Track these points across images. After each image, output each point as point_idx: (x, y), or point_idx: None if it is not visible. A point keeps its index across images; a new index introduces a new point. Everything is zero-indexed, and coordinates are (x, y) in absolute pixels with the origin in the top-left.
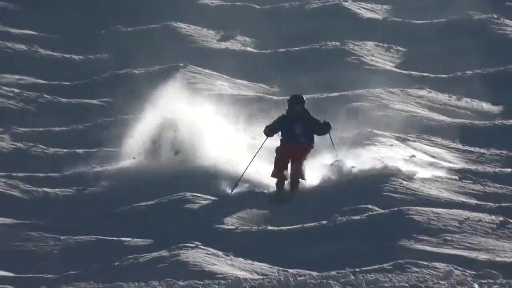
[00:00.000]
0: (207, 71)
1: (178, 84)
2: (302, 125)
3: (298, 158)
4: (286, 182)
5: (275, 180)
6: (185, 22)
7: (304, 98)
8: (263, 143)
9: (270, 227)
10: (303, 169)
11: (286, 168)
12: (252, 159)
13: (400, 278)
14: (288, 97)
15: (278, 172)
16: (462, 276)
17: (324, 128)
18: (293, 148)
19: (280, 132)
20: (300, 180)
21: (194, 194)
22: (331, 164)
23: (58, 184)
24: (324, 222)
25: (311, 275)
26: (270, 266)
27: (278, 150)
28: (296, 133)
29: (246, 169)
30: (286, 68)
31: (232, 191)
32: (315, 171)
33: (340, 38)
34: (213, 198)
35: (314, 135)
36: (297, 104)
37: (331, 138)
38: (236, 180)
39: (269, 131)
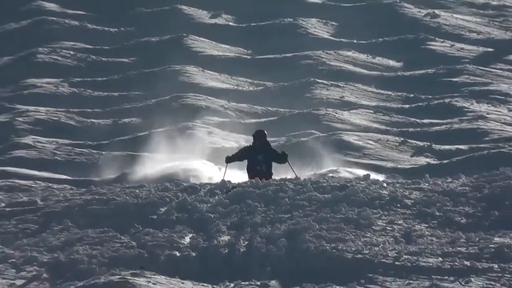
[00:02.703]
0: (201, 39)
1: (184, 45)
2: (264, 155)
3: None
4: None
5: None
6: (186, 5)
7: (265, 133)
8: (225, 170)
9: None
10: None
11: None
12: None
13: (333, 180)
14: (253, 132)
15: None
16: (375, 178)
17: (283, 158)
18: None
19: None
20: None
21: None
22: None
23: (101, 116)
24: (282, 142)
25: (274, 179)
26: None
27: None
28: (259, 161)
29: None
30: (257, 37)
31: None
32: None
33: (293, 16)
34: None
35: (275, 163)
36: (260, 138)
37: (290, 165)
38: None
39: (229, 160)
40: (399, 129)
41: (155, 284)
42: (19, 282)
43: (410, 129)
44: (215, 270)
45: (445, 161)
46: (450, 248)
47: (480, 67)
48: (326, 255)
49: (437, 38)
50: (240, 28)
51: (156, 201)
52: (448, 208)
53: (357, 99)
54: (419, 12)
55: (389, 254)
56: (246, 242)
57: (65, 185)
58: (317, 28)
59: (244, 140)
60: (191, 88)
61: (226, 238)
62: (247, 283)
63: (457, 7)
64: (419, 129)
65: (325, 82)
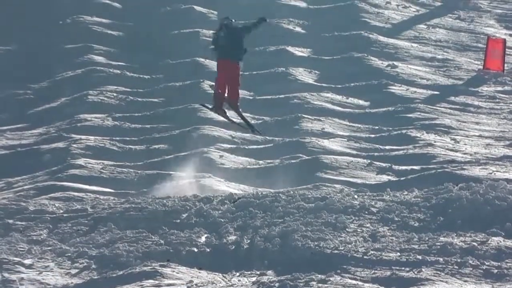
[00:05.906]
0: (212, 83)
1: (200, 88)
2: (233, 33)
3: (233, 84)
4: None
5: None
6: (202, 57)
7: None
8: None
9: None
10: (238, 94)
11: (223, 99)
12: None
13: (316, 192)
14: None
15: (218, 108)
16: (348, 191)
17: (257, 22)
18: (226, 74)
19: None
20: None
21: None
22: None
23: (137, 143)
24: (276, 163)
25: (269, 191)
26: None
27: (216, 80)
28: (224, 44)
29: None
30: (258, 82)
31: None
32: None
33: (285, 66)
34: None
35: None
36: (228, 24)
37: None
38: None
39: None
40: (367, 154)
41: (178, 273)
42: (73, 271)
43: (375, 154)
44: (225, 262)
45: (402, 178)
46: (406, 246)
47: (429, 106)
48: (310, 251)
49: (395, 84)
50: (244, 75)
51: (179, 208)
52: (405, 215)
53: (334, 130)
54: (382, 63)
55: (359, 250)
56: (249, 241)
57: (109, 196)
58: (304, 75)
59: (247, 162)
60: (207, 121)
61: (233, 237)
62: (249, 272)
63: (411, 60)
64: (382, 153)
65: (309, 117)
